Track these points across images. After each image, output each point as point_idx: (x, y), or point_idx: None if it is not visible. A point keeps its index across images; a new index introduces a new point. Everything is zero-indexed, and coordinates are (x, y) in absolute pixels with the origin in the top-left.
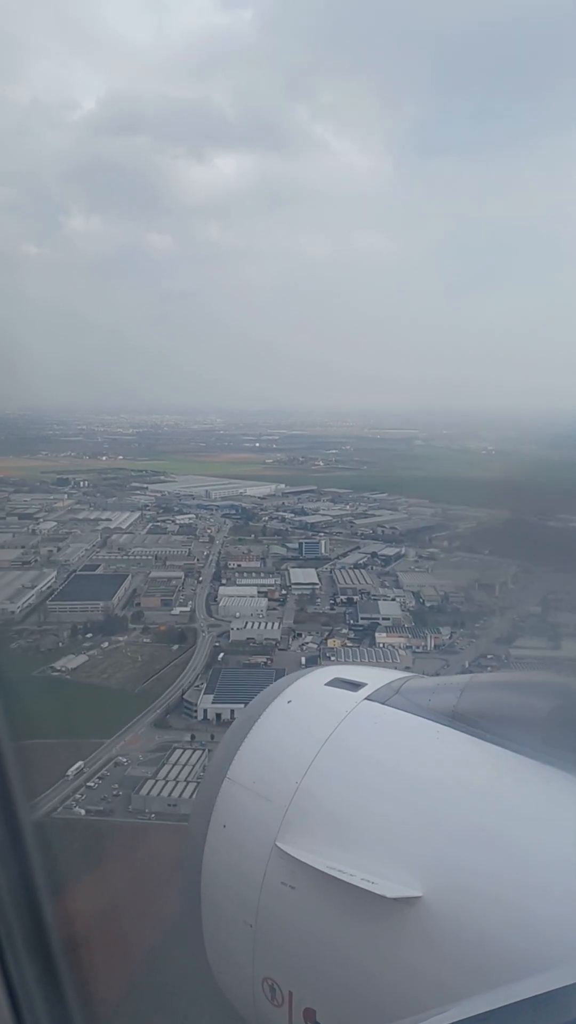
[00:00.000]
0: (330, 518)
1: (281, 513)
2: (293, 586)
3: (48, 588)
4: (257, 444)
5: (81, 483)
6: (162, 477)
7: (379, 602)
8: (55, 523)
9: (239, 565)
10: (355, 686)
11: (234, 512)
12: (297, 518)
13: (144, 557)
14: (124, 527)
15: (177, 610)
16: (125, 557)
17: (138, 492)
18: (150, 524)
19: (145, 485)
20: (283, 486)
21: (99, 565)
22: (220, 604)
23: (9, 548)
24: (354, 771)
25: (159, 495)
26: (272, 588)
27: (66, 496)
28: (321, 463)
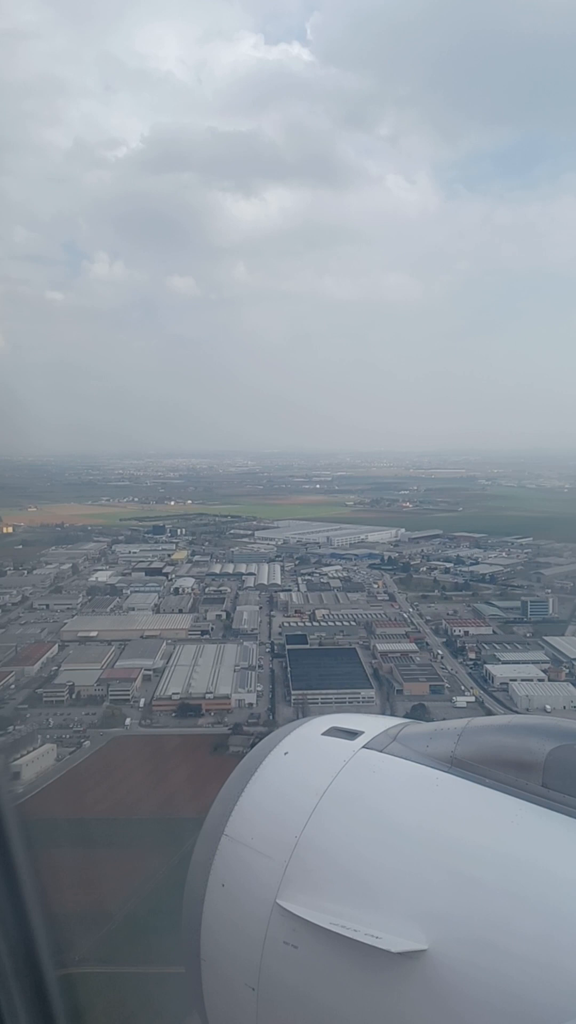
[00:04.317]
0: (500, 567)
1: (438, 562)
2: (574, 662)
3: (260, 666)
4: (317, 486)
5: (178, 531)
6: (255, 522)
7: None
8: (192, 579)
9: (466, 632)
10: (352, 735)
11: (380, 562)
12: (465, 568)
13: (343, 624)
14: (278, 583)
15: (460, 700)
16: (317, 624)
17: (245, 539)
18: (301, 579)
19: (248, 531)
20: (403, 530)
21: (305, 635)
22: (509, 691)
23: (168, 613)
24: (354, 822)
25: (273, 543)
26: (547, 665)
27: (175, 546)
28: (409, 505)
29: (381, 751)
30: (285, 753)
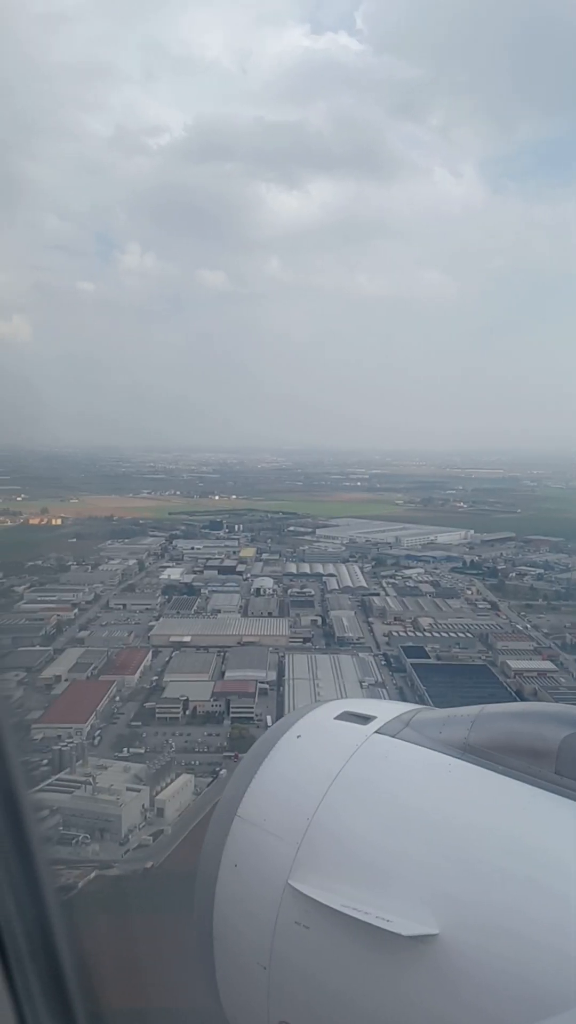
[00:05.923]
0: None
1: (526, 568)
2: None
3: (384, 682)
4: (358, 483)
5: (235, 527)
6: (310, 519)
7: None
8: (270, 579)
9: None
10: (365, 719)
11: (463, 565)
12: (559, 575)
13: (454, 635)
14: (364, 586)
15: None
16: (425, 634)
17: (307, 536)
18: (385, 582)
19: (308, 529)
20: (471, 532)
21: (422, 647)
22: None
23: (259, 617)
24: (366, 807)
25: (338, 541)
26: None
27: (237, 543)
28: (463, 505)
29: (393, 736)
30: (298, 736)
